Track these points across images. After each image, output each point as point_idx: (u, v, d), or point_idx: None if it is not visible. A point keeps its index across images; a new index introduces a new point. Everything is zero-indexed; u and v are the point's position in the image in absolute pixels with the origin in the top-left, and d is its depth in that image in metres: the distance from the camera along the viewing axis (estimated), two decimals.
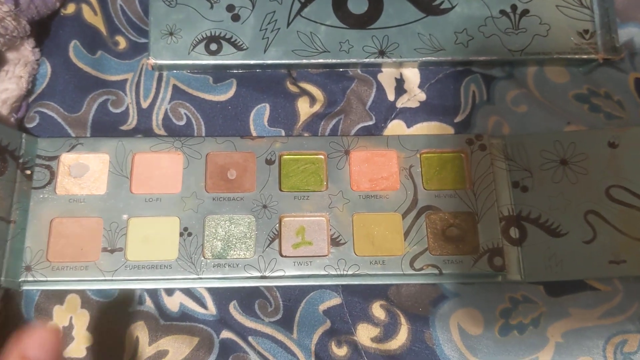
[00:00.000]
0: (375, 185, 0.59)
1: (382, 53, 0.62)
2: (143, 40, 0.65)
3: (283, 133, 0.62)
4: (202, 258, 0.56)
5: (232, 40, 0.62)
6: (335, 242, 0.57)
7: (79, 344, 0.56)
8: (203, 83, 0.64)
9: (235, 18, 0.63)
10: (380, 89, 0.64)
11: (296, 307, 0.58)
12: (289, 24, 0.63)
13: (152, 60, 0.62)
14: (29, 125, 0.61)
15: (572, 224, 0.57)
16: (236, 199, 0.58)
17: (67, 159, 0.59)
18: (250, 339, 0.57)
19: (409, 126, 0.63)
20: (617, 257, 0.56)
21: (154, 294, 0.58)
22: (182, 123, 0.62)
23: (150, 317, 0.57)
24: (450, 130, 0.63)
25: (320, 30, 0.63)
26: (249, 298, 0.58)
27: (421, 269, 0.56)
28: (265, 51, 0.62)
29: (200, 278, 0.56)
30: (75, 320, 0.57)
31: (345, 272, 0.56)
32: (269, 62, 0.62)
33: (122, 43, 0.65)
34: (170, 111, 0.63)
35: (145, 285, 0.57)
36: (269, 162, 0.59)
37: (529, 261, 0.57)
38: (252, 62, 0.62)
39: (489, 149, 0.60)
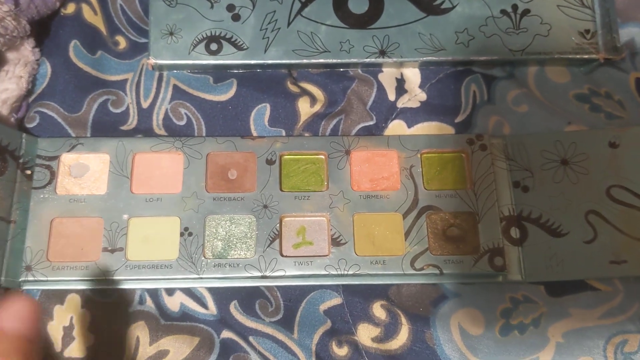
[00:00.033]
0: (376, 185, 0.59)
1: (382, 53, 0.62)
2: (143, 40, 0.65)
3: (284, 133, 0.62)
4: (203, 258, 0.56)
5: (233, 40, 0.62)
6: (335, 242, 0.57)
7: (80, 344, 0.56)
8: (203, 83, 0.64)
9: (236, 18, 0.63)
10: (381, 88, 0.64)
11: (297, 307, 0.58)
12: (289, 24, 0.63)
13: (152, 60, 0.61)
14: (29, 126, 0.61)
15: (573, 224, 0.57)
16: (237, 199, 0.58)
17: (68, 159, 0.59)
18: (250, 338, 0.57)
19: (409, 126, 0.63)
20: (617, 257, 0.56)
21: (154, 293, 0.58)
22: (182, 123, 0.62)
23: (150, 317, 0.57)
24: (450, 130, 0.63)
25: (320, 30, 0.63)
26: (249, 298, 0.58)
27: (422, 268, 0.56)
28: (265, 51, 0.62)
29: (201, 278, 0.56)
30: (75, 320, 0.57)
31: (345, 272, 0.56)
32: (270, 62, 0.62)
33: (122, 43, 0.65)
34: (171, 111, 0.63)
35: (145, 285, 0.57)
36: (270, 162, 0.59)
37: (530, 261, 0.57)
38: (252, 62, 0.62)
39: (490, 149, 0.60)
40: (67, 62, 0.63)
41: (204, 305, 0.58)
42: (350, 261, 0.56)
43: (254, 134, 0.62)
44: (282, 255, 0.56)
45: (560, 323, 0.57)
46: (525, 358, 0.56)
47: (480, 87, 0.64)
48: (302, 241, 0.57)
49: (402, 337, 0.57)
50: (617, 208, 0.58)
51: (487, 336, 0.57)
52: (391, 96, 0.64)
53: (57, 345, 0.56)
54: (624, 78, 0.65)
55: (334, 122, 0.63)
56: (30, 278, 0.55)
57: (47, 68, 0.63)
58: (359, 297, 0.58)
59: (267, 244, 0.56)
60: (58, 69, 0.63)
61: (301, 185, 0.59)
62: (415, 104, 0.64)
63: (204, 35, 0.62)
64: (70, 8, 0.65)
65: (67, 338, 0.56)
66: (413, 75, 0.64)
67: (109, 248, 0.56)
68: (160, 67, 0.63)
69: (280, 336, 0.57)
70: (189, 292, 0.58)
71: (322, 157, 0.60)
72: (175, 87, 0.63)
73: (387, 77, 0.64)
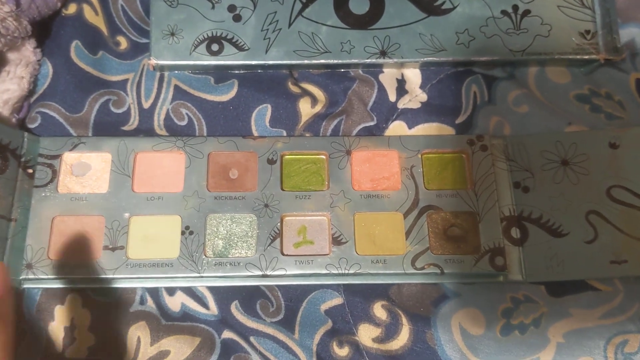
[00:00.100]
0: (377, 185, 0.59)
1: (383, 53, 0.63)
2: (144, 41, 0.65)
3: (285, 133, 0.62)
4: (204, 256, 0.56)
5: (234, 40, 0.62)
6: (336, 241, 0.57)
7: (81, 344, 0.56)
8: (204, 83, 0.64)
9: (237, 18, 0.63)
10: (382, 89, 0.64)
11: (298, 307, 0.58)
12: (290, 25, 0.63)
13: (153, 61, 0.62)
14: (31, 126, 0.61)
15: (574, 224, 0.57)
16: (238, 198, 0.58)
17: (70, 157, 0.59)
18: (251, 339, 0.57)
19: (410, 127, 0.63)
20: (618, 257, 0.56)
21: (155, 294, 0.58)
22: (183, 123, 0.62)
23: (151, 317, 0.57)
24: (451, 131, 0.63)
25: (321, 31, 0.63)
26: (250, 298, 0.58)
27: (422, 268, 0.56)
28: (266, 52, 0.62)
29: (202, 276, 0.56)
30: (76, 320, 0.57)
31: (346, 271, 0.56)
32: (271, 62, 0.62)
33: (124, 43, 0.65)
34: (172, 111, 0.63)
35: (146, 283, 0.57)
36: (271, 161, 0.59)
37: (531, 261, 0.57)
38: (253, 62, 0.63)
39: (490, 150, 0.60)
40: (69, 63, 0.63)
41: (205, 305, 0.58)
42: (351, 260, 0.56)
43: (255, 134, 0.62)
44: (282, 254, 0.56)
45: (561, 323, 0.57)
46: (525, 358, 0.56)
47: (481, 87, 0.64)
48: (303, 240, 0.57)
49: (403, 338, 0.57)
50: (617, 208, 0.58)
51: (488, 336, 0.57)
52: (392, 97, 0.64)
53: (58, 345, 0.56)
54: (624, 78, 0.65)
55: (335, 122, 0.63)
56: (31, 276, 0.55)
57: (48, 68, 0.63)
58: (359, 297, 0.58)
59: (268, 243, 0.56)
60: (59, 69, 0.63)
61: (302, 184, 0.59)
62: (415, 105, 0.64)
63: (205, 36, 0.62)
64: (72, 8, 0.65)
65: (68, 338, 0.56)
66: (414, 76, 0.65)
67: (110, 246, 0.56)
68: (162, 68, 0.63)
69: (281, 336, 0.57)
70: (190, 292, 0.58)
71: (323, 157, 0.60)
72: (176, 87, 0.63)
73: (388, 77, 0.64)
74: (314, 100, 0.63)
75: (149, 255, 0.56)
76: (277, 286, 0.58)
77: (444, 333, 0.57)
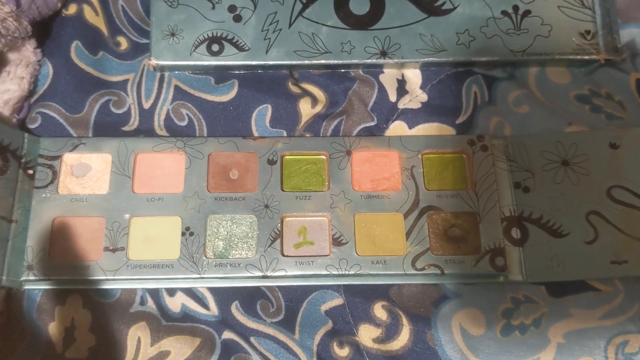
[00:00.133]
0: (377, 185, 0.59)
1: (383, 54, 0.62)
2: (144, 41, 0.65)
3: (285, 134, 0.62)
4: (204, 257, 0.56)
5: (234, 41, 0.62)
6: (336, 242, 0.57)
7: (81, 344, 0.56)
8: (205, 84, 0.64)
9: (237, 19, 0.63)
10: (382, 89, 0.64)
11: (298, 307, 0.58)
12: (290, 25, 0.63)
13: (153, 61, 0.62)
14: (31, 126, 0.61)
15: (574, 224, 0.57)
16: (238, 198, 0.58)
17: (70, 158, 0.59)
18: (252, 339, 0.57)
19: (410, 127, 0.63)
20: (618, 257, 0.56)
21: (155, 294, 0.58)
22: (183, 124, 0.62)
23: (152, 318, 0.57)
24: (451, 131, 0.63)
25: (321, 31, 0.63)
26: (250, 298, 0.58)
27: (423, 268, 0.56)
28: (267, 52, 0.62)
29: (202, 277, 0.56)
30: (77, 320, 0.57)
31: (346, 272, 0.56)
32: (271, 62, 0.62)
33: (124, 44, 0.65)
34: (172, 112, 0.63)
35: (146, 284, 0.57)
36: (271, 162, 0.59)
37: (531, 261, 0.57)
38: (253, 62, 0.62)
39: (491, 150, 0.60)
40: (69, 63, 0.63)
41: (205, 306, 0.58)
42: (351, 261, 0.56)
43: (255, 134, 0.62)
44: (283, 255, 0.56)
45: (561, 323, 0.57)
46: (526, 358, 0.56)
47: (481, 88, 0.64)
48: (303, 241, 0.57)
49: (403, 338, 0.57)
50: (617, 208, 0.58)
51: (488, 336, 0.57)
52: (392, 97, 0.64)
53: (59, 346, 0.56)
54: (625, 79, 0.65)
55: (335, 122, 0.63)
56: (32, 277, 0.55)
57: (48, 69, 0.63)
58: (360, 297, 0.58)
59: (268, 243, 0.56)
60: (59, 69, 0.63)
61: (302, 185, 0.59)
62: (416, 105, 0.64)
63: (206, 36, 0.62)
64: (72, 9, 0.65)
65: (68, 339, 0.56)
66: (414, 76, 0.64)
67: (110, 247, 0.56)
68: (162, 68, 0.63)
69: (282, 337, 0.57)
70: (190, 292, 0.58)
71: (324, 157, 0.60)
72: (176, 87, 0.63)
73: (388, 78, 0.64)
74: (314, 101, 0.63)
75: (149, 256, 0.56)
76: (278, 287, 0.58)
77: (444, 333, 0.57)
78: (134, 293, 0.58)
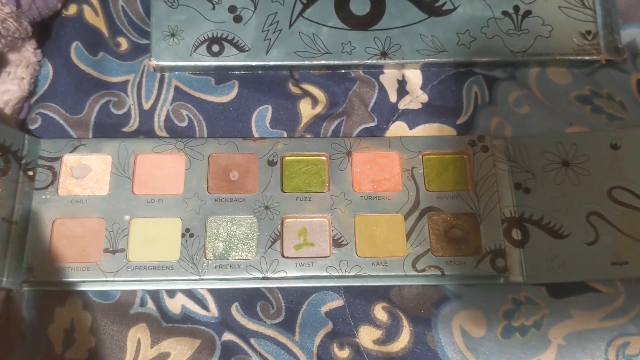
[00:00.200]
0: (377, 186, 0.59)
1: (384, 54, 0.62)
2: (145, 42, 0.65)
3: (285, 135, 0.62)
4: (204, 259, 0.56)
5: (234, 41, 0.62)
6: (337, 243, 0.57)
7: (81, 346, 0.56)
8: (205, 84, 0.64)
9: (237, 19, 0.63)
10: (383, 90, 0.64)
11: (298, 308, 0.58)
12: (291, 25, 0.63)
13: (153, 62, 0.61)
14: (31, 127, 0.61)
15: (575, 225, 0.57)
16: (238, 200, 0.58)
17: (70, 160, 0.59)
18: (252, 341, 0.57)
19: (411, 128, 0.63)
20: (619, 258, 0.56)
21: (155, 296, 0.58)
22: (184, 124, 0.62)
23: (152, 319, 0.57)
24: (452, 132, 0.63)
25: (322, 32, 0.63)
26: (250, 300, 0.58)
27: (423, 270, 0.56)
28: (267, 52, 0.62)
29: (202, 279, 0.55)
30: (76, 322, 0.57)
31: (347, 273, 0.56)
32: (271, 63, 0.62)
33: (124, 44, 0.65)
34: (172, 112, 0.63)
35: (146, 286, 0.57)
36: (271, 163, 0.59)
37: (532, 263, 0.57)
38: (254, 63, 0.62)
39: (491, 151, 0.60)
40: (69, 64, 0.63)
41: (205, 307, 0.58)
42: (351, 262, 0.56)
43: (256, 135, 0.62)
44: (283, 257, 0.56)
45: (562, 325, 0.57)
46: None
47: (482, 88, 0.64)
48: (304, 242, 0.57)
49: (404, 340, 0.57)
50: (618, 209, 0.57)
51: (489, 338, 0.57)
52: (392, 98, 0.64)
53: (58, 347, 0.56)
54: (625, 79, 0.65)
55: (336, 123, 0.63)
56: (32, 279, 0.55)
57: (48, 69, 0.63)
58: (360, 298, 0.58)
59: (269, 245, 0.56)
60: (59, 70, 0.63)
61: (302, 186, 0.59)
62: (416, 106, 0.64)
63: (206, 37, 0.62)
64: (72, 9, 0.65)
65: (68, 340, 0.56)
66: (414, 77, 0.64)
67: (110, 249, 0.56)
68: (162, 69, 0.63)
69: (282, 338, 0.57)
70: (190, 294, 0.58)
71: (324, 158, 0.60)
72: (176, 88, 0.63)
73: (389, 78, 0.64)
74: (315, 101, 0.63)
75: (149, 257, 0.56)
76: (278, 288, 0.58)
77: (444, 335, 0.57)
78: (134, 294, 0.58)
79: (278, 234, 0.57)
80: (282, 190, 0.58)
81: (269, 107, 0.63)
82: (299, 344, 0.57)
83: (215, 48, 0.62)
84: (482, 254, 0.57)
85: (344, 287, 0.58)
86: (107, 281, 0.55)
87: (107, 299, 0.57)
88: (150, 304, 0.57)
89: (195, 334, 0.57)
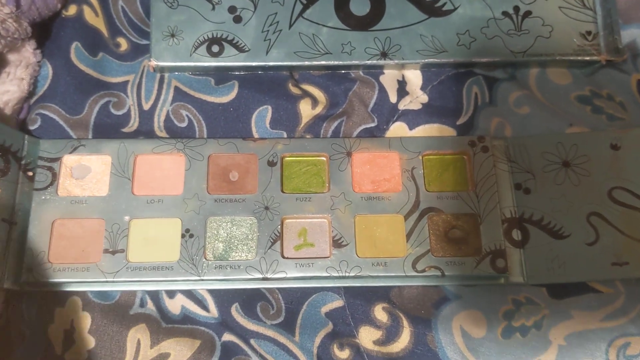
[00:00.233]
0: (377, 186, 0.59)
1: (384, 55, 0.62)
2: (144, 42, 0.65)
3: (285, 135, 0.62)
4: (204, 259, 0.56)
5: (234, 41, 0.62)
6: (337, 243, 0.57)
7: (81, 346, 0.56)
8: (205, 85, 0.64)
9: (237, 19, 0.63)
10: (383, 90, 0.64)
11: (298, 309, 0.58)
12: (290, 26, 0.63)
13: (153, 62, 0.61)
14: (31, 128, 0.61)
15: (575, 225, 0.57)
16: (238, 200, 0.57)
17: (69, 160, 0.59)
18: (252, 341, 0.57)
19: (411, 128, 0.63)
20: (619, 259, 0.56)
21: (155, 296, 0.58)
22: (183, 125, 0.62)
23: (151, 320, 0.57)
24: (452, 132, 0.63)
25: (322, 32, 0.63)
26: (250, 300, 0.58)
27: (423, 270, 0.56)
28: (267, 53, 0.62)
29: (202, 279, 0.55)
30: (76, 323, 0.57)
31: (347, 274, 0.56)
32: (271, 63, 0.62)
33: (124, 45, 0.65)
34: (172, 113, 0.63)
35: (146, 286, 0.57)
36: (271, 163, 0.59)
37: (532, 263, 0.57)
38: (254, 63, 0.62)
39: (491, 151, 0.59)
40: (69, 64, 0.63)
41: (205, 308, 0.58)
42: (351, 263, 0.56)
43: (256, 136, 0.62)
44: (283, 257, 0.56)
45: (562, 325, 0.57)
46: None
47: (482, 88, 0.64)
48: (304, 243, 0.57)
49: (404, 340, 0.57)
50: (618, 210, 0.57)
51: (489, 338, 0.57)
52: (392, 98, 0.64)
53: (58, 348, 0.56)
54: (626, 80, 0.65)
55: (336, 124, 0.63)
56: (32, 279, 0.55)
57: (48, 70, 0.63)
58: (360, 299, 0.58)
59: (269, 245, 0.56)
60: (59, 70, 0.63)
61: (302, 186, 0.59)
62: (416, 106, 0.63)
63: (206, 37, 0.62)
64: (72, 10, 0.65)
65: (68, 341, 0.56)
66: (415, 77, 0.64)
67: (110, 249, 0.56)
68: (162, 69, 0.63)
69: (282, 339, 0.57)
70: (190, 294, 0.58)
71: (324, 158, 0.60)
72: (176, 88, 0.63)
73: (389, 79, 0.64)
74: (315, 102, 0.63)
75: (149, 258, 0.56)
76: (278, 288, 0.58)
77: (445, 335, 0.57)
78: (134, 295, 0.57)
79: (278, 234, 0.57)
80: (282, 191, 0.58)
81: (269, 107, 0.63)
82: (299, 344, 0.57)
83: (215, 48, 0.62)
84: (482, 254, 0.56)
85: (344, 287, 0.58)
86: (106, 282, 0.55)
87: (106, 299, 0.57)
88: (150, 305, 0.57)
89: (195, 335, 0.57)
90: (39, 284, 0.55)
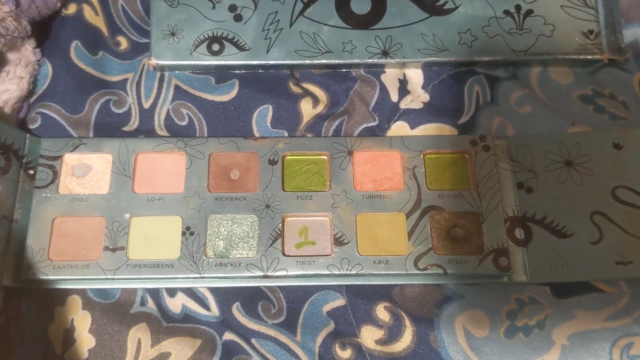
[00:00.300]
0: (379, 185, 0.59)
1: (385, 53, 0.62)
2: (145, 41, 0.65)
3: (286, 134, 0.62)
4: (204, 257, 0.56)
5: (235, 40, 0.62)
6: (338, 241, 0.56)
7: (81, 346, 0.56)
8: (205, 83, 0.63)
9: (238, 18, 0.63)
10: (384, 89, 0.64)
11: (300, 308, 0.58)
12: (291, 24, 0.63)
13: (153, 61, 0.61)
14: (31, 127, 0.61)
15: (578, 224, 0.57)
16: (239, 198, 0.57)
17: (70, 159, 0.59)
18: (253, 341, 0.57)
19: (412, 128, 0.63)
20: (623, 258, 0.56)
21: (156, 295, 0.57)
22: (184, 123, 0.62)
23: (152, 319, 0.57)
24: (453, 132, 0.63)
25: (323, 31, 0.63)
26: (252, 299, 0.58)
27: (425, 268, 0.56)
28: (267, 51, 0.62)
29: (202, 277, 0.55)
30: (76, 322, 0.56)
31: (348, 272, 0.55)
32: (272, 62, 0.62)
33: (124, 43, 0.65)
34: (172, 111, 0.62)
35: (146, 284, 0.57)
36: (272, 162, 0.59)
37: (535, 262, 0.57)
38: (254, 62, 0.62)
39: (493, 150, 0.59)
40: (68, 63, 0.63)
41: (206, 306, 0.57)
42: (353, 261, 0.56)
43: (256, 135, 0.62)
44: (284, 255, 0.56)
45: (565, 325, 0.57)
46: None
47: (484, 88, 0.64)
48: (305, 241, 0.57)
49: (406, 340, 0.57)
50: (622, 209, 0.57)
51: (492, 338, 0.56)
52: (394, 97, 0.64)
53: (58, 347, 0.56)
54: (628, 79, 0.64)
55: (337, 123, 0.63)
56: (31, 277, 0.54)
57: (48, 69, 0.63)
58: (362, 298, 0.58)
59: (269, 243, 0.56)
60: (59, 69, 0.63)
61: (303, 185, 0.59)
62: (418, 105, 0.63)
63: (206, 36, 0.62)
64: (72, 8, 0.65)
65: (68, 340, 0.56)
66: (416, 76, 0.64)
67: (110, 247, 0.55)
68: (162, 68, 0.63)
69: (283, 338, 0.57)
70: (190, 293, 0.58)
71: (325, 157, 0.60)
72: (176, 87, 0.63)
73: (390, 77, 0.64)
74: (316, 101, 0.63)
75: (149, 255, 0.55)
76: (279, 287, 0.58)
77: (447, 335, 0.57)
78: (134, 294, 0.57)
79: (279, 232, 0.57)
80: (283, 189, 0.58)
81: (270, 106, 0.63)
82: (301, 344, 0.57)
83: (216, 47, 0.62)
84: (485, 252, 0.56)
85: (346, 286, 0.58)
86: (106, 279, 0.55)
87: (107, 298, 0.57)
88: (151, 303, 0.57)
89: (196, 334, 0.57)
90: (38, 282, 0.55)
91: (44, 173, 0.57)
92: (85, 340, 0.56)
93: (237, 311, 0.57)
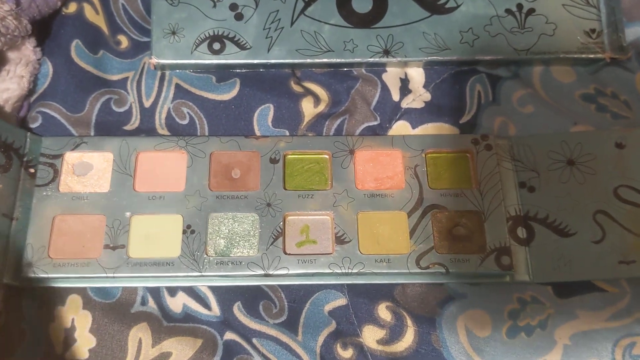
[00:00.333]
0: (380, 184, 0.59)
1: (386, 52, 0.62)
2: (145, 39, 0.65)
3: (287, 133, 0.62)
4: (205, 255, 0.55)
5: (236, 39, 0.62)
6: (339, 240, 0.56)
7: (81, 346, 0.56)
8: (206, 82, 0.63)
9: (239, 17, 0.63)
10: (385, 88, 0.64)
11: (301, 308, 0.57)
12: (292, 23, 0.63)
13: (154, 60, 0.61)
14: (32, 126, 0.61)
15: (581, 224, 0.57)
16: (240, 197, 0.57)
17: (71, 157, 0.59)
18: (254, 340, 0.56)
19: (414, 127, 0.63)
20: (626, 257, 0.56)
21: (156, 295, 0.57)
22: (185, 122, 0.62)
23: (153, 319, 0.57)
24: (455, 131, 0.63)
25: (324, 30, 0.63)
26: (253, 299, 0.57)
27: (427, 267, 0.56)
28: (269, 50, 0.62)
29: (203, 276, 0.55)
30: (77, 321, 0.56)
31: (350, 271, 0.55)
32: (273, 61, 0.62)
33: (124, 42, 0.65)
34: (173, 110, 0.62)
35: (147, 282, 0.56)
36: (274, 161, 0.59)
37: (537, 261, 0.57)
38: (255, 61, 0.62)
39: (495, 149, 0.59)
40: (69, 62, 0.63)
41: (207, 306, 0.57)
42: (354, 259, 0.56)
43: (258, 134, 0.62)
44: (285, 254, 0.56)
45: (568, 325, 0.56)
46: None
47: (485, 87, 0.64)
48: (306, 239, 0.57)
49: (408, 339, 0.57)
50: (625, 208, 0.57)
51: (494, 338, 0.56)
52: (395, 96, 0.64)
53: (58, 347, 0.56)
54: (630, 78, 0.64)
55: (338, 122, 0.62)
56: (32, 275, 0.54)
57: (48, 68, 0.63)
58: (364, 298, 0.57)
59: (271, 242, 0.56)
60: (60, 68, 0.63)
61: (305, 184, 0.59)
62: (419, 104, 0.63)
63: (207, 35, 0.62)
64: (72, 7, 0.65)
65: (69, 340, 0.56)
66: (417, 75, 0.64)
67: (111, 245, 0.55)
68: (163, 67, 0.63)
69: (285, 338, 0.57)
70: (191, 292, 0.57)
71: (326, 156, 0.60)
72: (177, 86, 0.63)
73: (391, 76, 0.64)
74: (317, 100, 0.63)
75: (150, 254, 0.55)
76: (280, 287, 0.58)
77: (449, 335, 0.56)
78: (135, 293, 0.57)
79: (280, 231, 0.56)
80: (285, 188, 0.58)
81: (271, 105, 0.63)
82: (302, 343, 0.56)
83: (217, 46, 0.62)
84: (487, 251, 0.56)
85: (348, 286, 0.58)
86: (107, 277, 0.55)
87: (107, 297, 0.57)
88: (152, 303, 0.57)
89: (196, 334, 0.56)
90: (38, 279, 0.55)
91: (44, 171, 0.57)
92: (86, 340, 0.56)
93: (238, 311, 0.57)
